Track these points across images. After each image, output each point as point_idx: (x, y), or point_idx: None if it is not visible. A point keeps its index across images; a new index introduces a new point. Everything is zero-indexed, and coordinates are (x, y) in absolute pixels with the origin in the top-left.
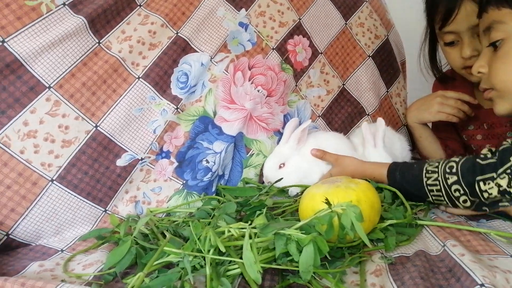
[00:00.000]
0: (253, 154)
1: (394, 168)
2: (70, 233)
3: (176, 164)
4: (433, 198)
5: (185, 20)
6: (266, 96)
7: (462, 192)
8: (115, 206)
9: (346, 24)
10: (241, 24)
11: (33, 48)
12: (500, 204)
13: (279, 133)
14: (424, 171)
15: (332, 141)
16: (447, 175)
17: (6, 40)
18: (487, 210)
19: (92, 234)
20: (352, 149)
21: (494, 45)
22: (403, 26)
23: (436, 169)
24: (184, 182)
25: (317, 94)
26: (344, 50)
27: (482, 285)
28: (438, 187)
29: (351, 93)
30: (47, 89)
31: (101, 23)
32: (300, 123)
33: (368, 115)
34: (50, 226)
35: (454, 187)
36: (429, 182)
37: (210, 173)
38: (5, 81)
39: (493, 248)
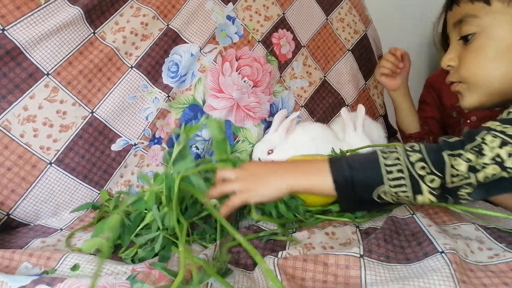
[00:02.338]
0: (239, 140)
1: (338, 159)
2: (66, 214)
3: (167, 149)
4: (391, 183)
5: (175, 12)
6: (253, 86)
7: (428, 170)
8: (110, 189)
9: (327, 19)
10: (228, 17)
11: (32, 37)
12: (461, 192)
13: (265, 121)
14: (380, 153)
15: (318, 130)
16: (409, 153)
17: (6, 28)
18: (450, 198)
19: (86, 206)
20: (336, 139)
21: (465, 39)
22: (380, 22)
23: (395, 150)
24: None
25: (300, 85)
26: (326, 44)
27: (442, 252)
28: (399, 167)
29: (332, 84)
30: (46, 76)
31: (96, 14)
32: (287, 114)
33: (347, 105)
34: (48, 207)
35: (418, 164)
36: (388, 162)
37: (199, 158)
38: (5, 67)
39: (457, 218)
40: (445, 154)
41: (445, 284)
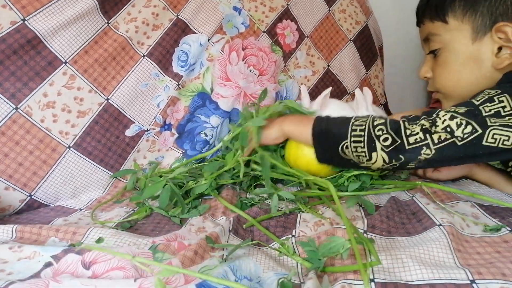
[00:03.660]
0: None
1: (322, 117)
2: (85, 196)
3: (176, 135)
4: (352, 139)
5: (184, 3)
6: (258, 75)
7: (385, 131)
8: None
9: (329, 10)
10: (235, 8)
11: (51, 26)
12: (421, 156)
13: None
14: (354, 117)
15: (346, 107)
16: (375, 119)
17: (26, 18)
18: (401, 162)
19: (125, 172)
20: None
21: (433, 53)
22: (378, 14)
23: (366, 117)
24: (184, 151)
25: (303, 74)
26: (328, 34)
27: (440, 225)
28: (363, 127)
29: (335, 73)
30: (64, 64)
31: (110, 5)
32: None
33: (349, 94)
34: (67, 189)
35: (378, 127)
36: (356, 123)
37: (208, 145)
38: (26, 56)
39: (455, 196)
40: (401, 122)
41: (442, 251)
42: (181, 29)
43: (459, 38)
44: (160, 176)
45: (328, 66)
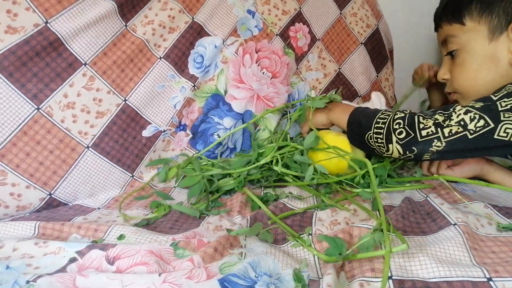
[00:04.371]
0: (259, 129)
1: (361, 108)
2: (102, 195)
3: (190, 136)
4: (374, 130)
5: (200, 7)
6: (271, 78)
7: (401, 125)
8: (141, 172)
9: (341, 13)
10: (249, 11)
11: (72, 29)
12: (432, 148)
13: (284, 113)
14: (382, 111)
15: None
16: (397, 114)
17: (49, 21)
18: (415, 154)
19: (159, 161)
20: None
21: (451, 55)
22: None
23: (391, 112)
24: (197, 152)
25: (315, 77)
26: (339, 38)
27: (455, 224)
28: (385, 121)
29: (346, 76)
30: (83, 66)
31: (127, 8)
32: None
33: (360, 96)
34: (85, 188)
35: (397, 121)
36: (381, 116)
37: (221, 146)
38: (48, 57)
39: (468, 198)
40: (417, 116)
41: (458, 250)
42: (196, 31)
43: (476, 38)
44: (193, 169)
45: (339, 68)
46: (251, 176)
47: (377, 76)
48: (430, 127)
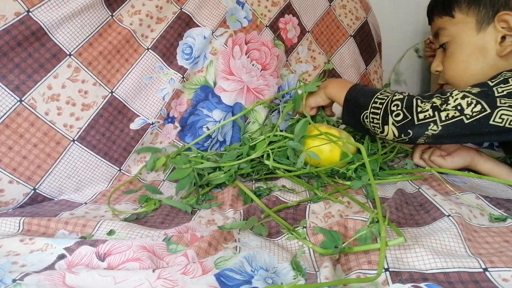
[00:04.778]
0: (249, 122)
1: (360, 85)
2: (89, 189)
3: (179, 128)
4: (371, 110)
5: None
6: (261, 70)
7: (399, 106)
8: (129, 166)
9: (330, 5)
10: (238, 2)
11: (55, 18)
12: (428, 131)
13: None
14: (381, 91)
15: None
16: (396, 95)
17: (31, 10)
18: (410, 137)
19: (147, 149)
20: None
21: (443, 47)
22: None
23: (390, 92)
24: (185, 145)
25: (305, 69)
26: (329, 30)
27: (449, 215)
28: (383, 101)
29: (335, 69)
30: (68, 57)
31: None
32: (290, 94)
33: None
34: (71, 182)
35: (395, 102)
36: (380, 96)
37: (210, 139)
38: (30, 47)
39: (459, 189)
40: (415, 99)
41: (453, 241)
42: (185, 22)
43: (465, 30)
44: (183, 161)
45: (329, 61)
46: (242, 170)
47: (366, 68)
48: (427, 110)
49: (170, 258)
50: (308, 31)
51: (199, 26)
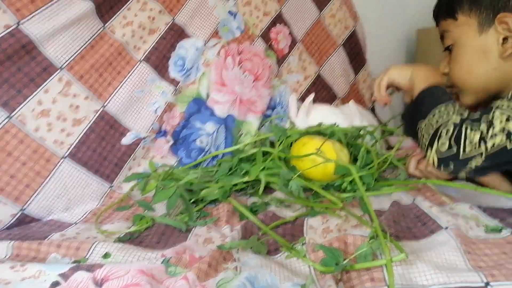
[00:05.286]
0: (242, 134)
1: (436, 87)
2: (79, 208)
3: (171, 142)
4: (426, 122)
5: (180, 7)
6: (253, 81)
7: (449, 133)
8: (120, 182)
9: (320, 15)
10: (230, 12)
11: (46, 31)
12: (470, 164)
13: (266, 116)
14: (452, 102)
15: (329, 110)
16: (454, 114)
17: (21, 22)
18: (450, 170)
19: (136, 176)
20: (345, 117)
21: (449, 49)
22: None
23: (452, 107)
24: (179, 159)
25: (296, 79)
26: (319, 39)
27: (446, 227)
28: (439, 117)
29: (325, 79)
30: (59, 70)
31: (105, 8)
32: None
33: (338, 99)
34: (61, 201)
35: (448, 127)
36: (441, 109)
37: (203, 152)
38: (20, 61)
39: (453, 199)
40: (464, 128)
41: (453, 254)
42: (177, 33)
43: (467, 32)
44: (171, 179)
45: (319, 70)
46: (236, 186)
47: (355, 77)
48: (475, 143)
49: (170, 281)
50: (299, 41)
51: (191, 37)
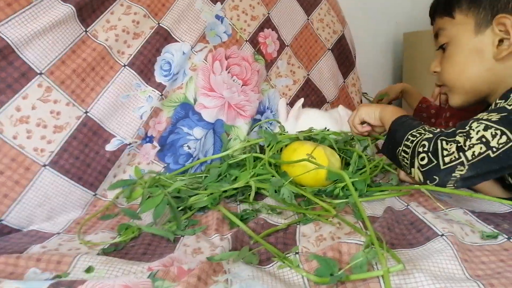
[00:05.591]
0: (230, 139)
1: (407, 117)
2: (62, 217)
3: (158, 148)
4: (403, 147)
5: (166, 11)
6: (242, 85)
7: (426, 148)
8: (104, 190)
9: (308, 19)
10: (217, 16)
11: (24, 35)
12: (455, 173)
13: (255, 120)
14: (421, 125)
15: (318, 114)
16: (426, 133)
17: None
18: (437, 183)
19: (121, 183)
20: (335, 121)
21: (442, 48)
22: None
23: (422, 130)
24: (166, 165)
25: (285, 84)
26: (307, 44)
27: (442, 235)
28: (414, 139)
29: (314, 83)
30: (39, 75)
31: (87, 12)
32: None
33: (328, 103)
34: (42, 211)
35: (422, 143)
36: (414, 133)
37: (191, 158)
38: None
39: (447, 204)
40: (439, 141)
41: (450, 263)
42: (163, 37)
43: (464, 31)
44: (157, 186)
45: (308, 75)
46: (226, 193)
47: (344, 81)
48: (453, 152)
49: None
50: (287, 45)
51: (177, 41)
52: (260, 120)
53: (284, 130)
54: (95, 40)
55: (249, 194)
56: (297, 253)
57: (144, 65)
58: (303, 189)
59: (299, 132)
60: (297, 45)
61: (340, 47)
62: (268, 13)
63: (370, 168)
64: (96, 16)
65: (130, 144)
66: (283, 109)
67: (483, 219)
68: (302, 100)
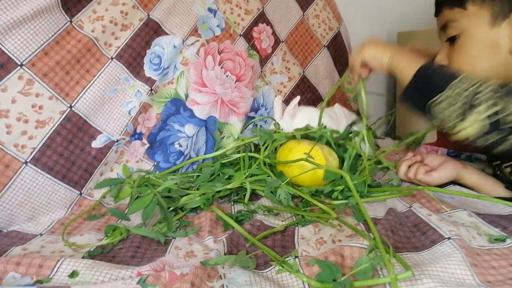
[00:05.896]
0: (224, 136)
1: (433, 64)
2: (45, 217)
3: (147, 145)
4: (447, 95)
5: (156, 2)
6: (236, 81)
7: (494, 93)
8: (90, 189)
9: (303, 15)
10: (210, 9)
11: (3, 23)
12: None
13: (249, 117)
14: (465, 74)
15: (314, 112)
16: (488, 80)
17: None
18: (494, 140)
19: (108, 182)
20: (331, 120)
21: (451, 40)
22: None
23: (476, 80)
24: (155, 163)
25: (279, 81)
26: (303, 40)
27: (449, 238)
28: (467, 87)
29: (310, 80)
30: (19, 67)
31: (72, 2)
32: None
33: (324, 101)
34: (24, 210)
35: (489, 88)
36: (462, 80)
37: (183, 156)
38: None
39: (450, 205)
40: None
41: (460, 268)
42: (153, 30)
43: (477, 23)
44: (147, 185)
45: (303, 72)
46: (220, 194)
47: (340, 79)
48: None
49: None
50: (282, 41)
51: (168, 34)
52: (254, 117)
53: (279, 128)
54: (81, 31)
55: (244, 195)
56: (296, 257)
57: (132, 58)
58: (300, 190)
59: (296, 130)
60: (292, 41)
61: (336, 44)
62: (263, 7)
63: (369, 165)
64: (82, 6)
65: (117, 141)
66: (279, 107)
67: (488, 221)
68: (298, 98)
